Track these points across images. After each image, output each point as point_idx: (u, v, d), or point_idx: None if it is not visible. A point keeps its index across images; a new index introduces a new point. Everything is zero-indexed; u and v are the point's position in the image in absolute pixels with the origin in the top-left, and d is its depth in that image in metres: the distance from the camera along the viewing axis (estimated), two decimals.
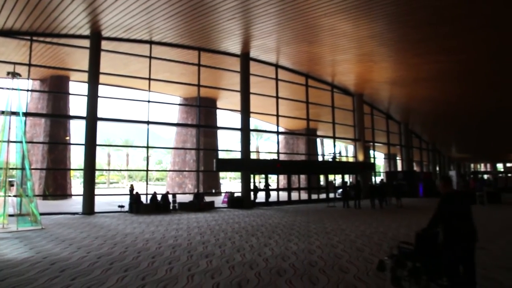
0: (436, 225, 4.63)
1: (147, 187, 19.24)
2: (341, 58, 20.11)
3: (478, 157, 62.30)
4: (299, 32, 16.91)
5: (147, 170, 22.69)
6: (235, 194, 20.55)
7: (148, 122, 18.68)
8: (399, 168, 34.90)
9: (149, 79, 18.76)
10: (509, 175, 45.48)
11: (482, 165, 74.31)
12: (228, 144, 54.42)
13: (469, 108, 28.25)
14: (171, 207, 17.74)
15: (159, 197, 17.64)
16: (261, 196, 21.85)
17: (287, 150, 34.10)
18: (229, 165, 21.28)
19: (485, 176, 57.17)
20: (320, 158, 33.13)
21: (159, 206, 17.21)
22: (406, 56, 19.14)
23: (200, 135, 25.15)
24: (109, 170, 64.81)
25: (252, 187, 21.03)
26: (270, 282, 5.46)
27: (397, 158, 36.42)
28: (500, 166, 67.07)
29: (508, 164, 61.23)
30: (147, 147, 20.07)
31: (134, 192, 17.35)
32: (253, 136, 43.82)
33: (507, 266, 6.17)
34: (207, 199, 19.90)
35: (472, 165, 72.81)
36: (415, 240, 4.77)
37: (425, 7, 13.65)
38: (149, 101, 18.98)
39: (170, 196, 18.15)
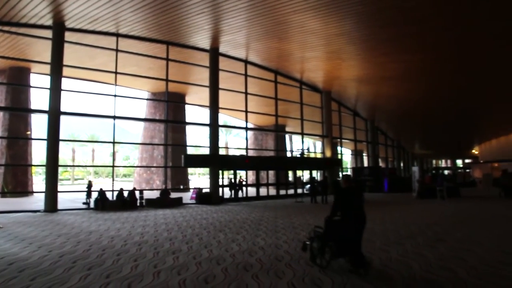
0: (337, 212, 5.87)
1: (113, 183, 18.81)
2: (310, 55, 20.36)
3: (439, 153, 64.84)
4: (268, 28, 16.97)
5: (113, 166, 22.21)
6: (204, 190, 20.45)
7: (114, 117, 18.24)
8: (366, 164, 35.81)
9: (116, 72, 18.30)
10: (467, 170, 47.56)
11: (443, 161, 77.41)
12: (197, 140, 53.88)
13: (432, 106, 29.33)
14: (138, 204, 17.45)
15: (125, 194, 17.31)
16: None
17: (256, 146, 34.23)
18: (198, 161, 21.14)
19: (446, 172, 59.67)
20: (288, 154, 33.48)
21: (126, 202, 16.90)
22: (373, 55, 19.61)
23: (168, 130, 24.82)
24: (73, 166, 62.85)
25: (228, 182, 21.26)
26: (236, 277, 5.48)
27: (364, 154, 37.35)
28: (459, 162, 70.06)
29: (467, 160, 64.04)
30: (113, 142, 19.64)
31: (99, 189, 16.94)
32: (222, 132, 43.65)
33: (462, 257, 6.46)
34: (176, 195, 19.71)
35: (434, 161, 75.69)
36: (324, 224, 6.04)
37: (391, 8, 14.03)
38: (115, 95, 18.53)
39: (137, 193, 17.84)
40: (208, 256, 6.84)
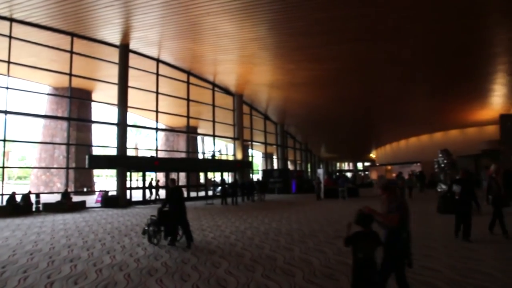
0: (166, 205, 8.31)
1: (2, 186, 16.90)
2: (223, 58, 20.52)
3: (343, 157, 69.80)
4: (182, 28, 16.73)
5: (3, 167, 19.91)
6: (110, 193, 19.40)
7: (6, 112, 16.39)
8: (275, 166, 37.09)
9: (9, 62, 16.49)
10: (366, 173, 51.88)
11: (347, 164, 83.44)
12: (104, 140, 50.85)
13: (337, 113, 31.51)
14: (33, 209, 15.92)
15: (18, 198, 15.68)
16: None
17: (167, 148, 33.43)
18: (104, 161, 19.90)
19: (349, 174, 64.35)
20: (200, 156, 33.29)
21: (18, 207, 15.30)
22: (284, 62, 20.44)
23: (72, 129, 23.12)
24: None
25: (147, 184, 20.67)
26: (140, 282, 5.30)
27: (274, 157, 38.65)
28: (360, 165, 76.12)
29: (366, 163, 69.86)
30: (4, 140, 17.62)
31: None
32: (131, 132, 41.80)
33: None
34: (79, 198, 18.40)
35: (338, 164, 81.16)
36: (157, 213, 8.34)
37: (302, 18, 14.77)
38: (7, 88, 16.66)
39: (32, 196, 16.27)
40: (110, 262, 6.50)
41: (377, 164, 52.47)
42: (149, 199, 21.40)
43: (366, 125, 36.78)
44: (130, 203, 19.45)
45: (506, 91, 24.12)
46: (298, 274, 5.63)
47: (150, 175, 24.18)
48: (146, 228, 8.38)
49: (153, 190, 22.40)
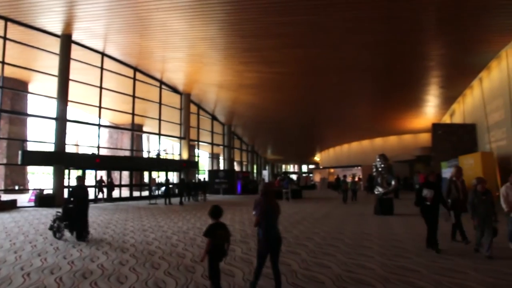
0: (69, 203, 8.84)
1: None
2: (171, 55, 20.15)
3: (289, 159, 71.20)
4: (130, 22, 16.22)
5: None
6: (46, 191, 18.30)
7: None
8: (222, 167, 37.01)
9: None
10: (310, 175, 53.28)
11: (292, 166, 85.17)
12: (42, 135, 47.88)
13: (283, 116, 32.10)
14: None
15: None
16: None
17: (110, 145, 32.15)
18: (39, 158, 18.68)
19: (294, 176, 65.73)
20: (145, 155, 32.40)
21: None
22: (233, 63, 20.46)
23: (4, 122, 21.51)
24: None
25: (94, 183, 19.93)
26: (72, 286, 5.04)
27: (220, 157, 38.56)
28: (304, 168, 78.03)
29: (310, 166, 71.81)
30: None
31: None
32: (72, 127, 39.72)
33: (296, 251, 7.21)
34: (10, 197, 17.15)
35: (284, 166, 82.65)
36: (62, 210, 8.82)
37: (252, 20, 14.90)
38: None
39: None
40: (40, 265, 6.12)
41: (321, 167, 54.12)
42: (96, 197, 20.66)
43: (311, 129, 37.85)
44: (69, 203, 18.44)
45: (438, 102, 26.00)
46: (238, 274, 5.66)
47: (91, 173, 23.17)
48: (52, 223, 8.83)
49: (105, 189, 21.56)
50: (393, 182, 14.41)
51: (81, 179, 9.30)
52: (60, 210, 8.97)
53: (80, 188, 8.90)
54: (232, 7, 13.90)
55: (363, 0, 12.69)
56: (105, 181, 22.36)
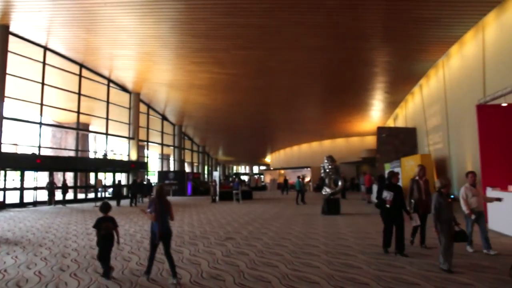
0: None
1: None
2: (120, 53, 19.50)
3: (240, 160, 71.43)
4: (76, 15, 15.41)
5: None
6: None
7: None
8: (172, 168, 36.39)
9: None
10: (261, 176, 53.76)
11: (243, 167, 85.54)
12: None
13: (235, 117, 32.20)
14: None
15: None
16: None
17: (53, 145, 30.45)
18: None
19: (246, 178, 66.02)
20: (91, 155, 31.10)
21: None
22: (185, 62, 20.18)
23: None
24: None
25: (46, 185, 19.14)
26: None
27: (170, 158, 37.90)
28: (255, 169, 78.68)
29: (262, 167, 72.51)
30: None
31: None
32: (9, 125, 37.22)
33: (245, 252, 7.26)
34: None
35: (235, 167, 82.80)
36: None
37: (204, 20, 14.76)
38: None
39: None
40: None
41: (272, 168, 54.80)
42: (50, 200, 19.71)
43: (262, 130, 38.28)
44: (4, 206, 17.31)
45: (383, 106, 27.30)
46: (185, 276, 5.60)
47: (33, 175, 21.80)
48: None
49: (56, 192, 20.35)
50: (340, 183, 14.92)
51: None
52: None
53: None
54: (184, 5, 13.71)
55: (312, 5, 13.03)
56: (56, 184, 21.00)
